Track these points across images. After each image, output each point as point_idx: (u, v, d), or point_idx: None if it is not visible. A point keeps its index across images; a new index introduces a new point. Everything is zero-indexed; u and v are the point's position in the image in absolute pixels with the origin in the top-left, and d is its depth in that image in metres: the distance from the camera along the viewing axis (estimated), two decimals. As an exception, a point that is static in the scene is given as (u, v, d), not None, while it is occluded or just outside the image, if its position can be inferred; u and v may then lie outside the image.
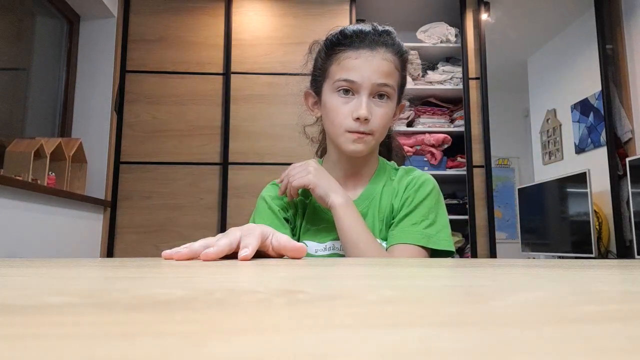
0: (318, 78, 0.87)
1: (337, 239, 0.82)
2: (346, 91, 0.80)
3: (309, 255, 0.82)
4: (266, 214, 0.87)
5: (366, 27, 0.82)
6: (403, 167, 0.92)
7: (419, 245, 0.79)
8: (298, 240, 0.87)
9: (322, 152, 0.99)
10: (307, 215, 0.88)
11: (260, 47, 2.68)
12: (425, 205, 0.82)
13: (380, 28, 0.83)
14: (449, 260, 0.69)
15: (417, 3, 2.82)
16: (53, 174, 2.11)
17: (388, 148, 0.99)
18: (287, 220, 0.88)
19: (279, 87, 2.64)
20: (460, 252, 2.69)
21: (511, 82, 3.24)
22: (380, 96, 0.80)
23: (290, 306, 0.18)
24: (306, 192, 0.88)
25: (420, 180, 0.85)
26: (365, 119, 0.78)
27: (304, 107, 0.92)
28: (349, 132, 0.79)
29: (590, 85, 2.62)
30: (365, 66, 0.79)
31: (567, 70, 2.86)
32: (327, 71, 0.84)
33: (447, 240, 0.81)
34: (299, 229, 0.89)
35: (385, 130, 0.83)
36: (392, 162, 0.94)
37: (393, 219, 0.84)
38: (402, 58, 0.84)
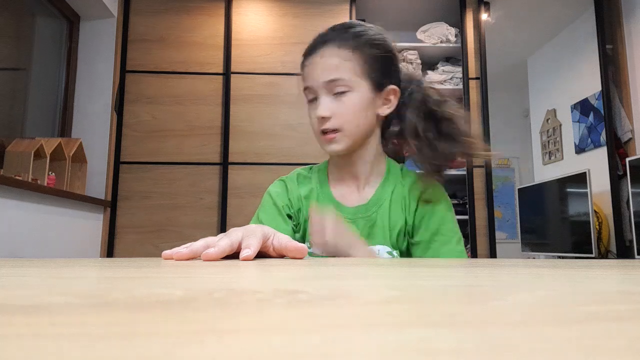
0: None
1: None
2: (312, 98, 0.83)
3: (313, 255, 0.82)
4: (270, 209, 0.87)
5: (320, 32, 0.85)
6: (407, 169, 0.89)
7: None
8: (303, 239, 0.87)
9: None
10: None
11: (260, 47, 2.68)
12: (448, 218, 0.83)
13: (328, 28, 0.85)
14: (448, 260, 0.69)
15: (417, 3, 2.82)
16: (53, 174, 2.11)
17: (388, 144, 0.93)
18: (290, 217, 0.88)
19: (279, 87, 2.64)
20: (460, 252, 2.69)
21: (511, 82, 3.24)
22: (338, 92, 0.81)
23: (290, 306, 0.18)
24: (310, 193, 0.88)
25: (432, 190, 0.84)
26: (322, 118, 0.80)
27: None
28: (320, 134, 0.82)
29: (590, 85, 2.62)
30: (312, 69, 0.82)
31: (567, 70, 2.86)
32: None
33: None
34: (302, 227, 0.88)
35: (356, 122, 0.81)
36: (401, 164, 0.92)
37: (411, 235, 0.83)
38: (356, 45, 0.81)
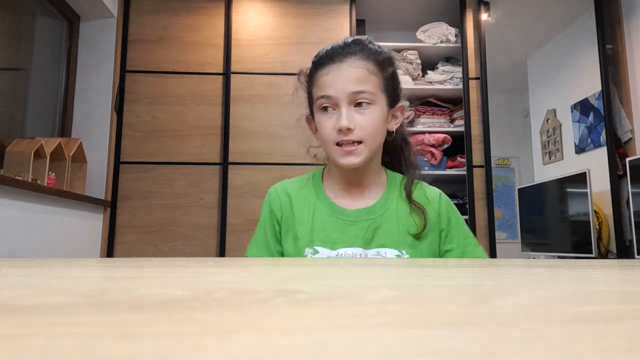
0: (309, 103, 0.90)
1: (348, 246, 0.83)
2: (328, 108, 0.82)
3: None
4: (262, 236, 0.90)
5: (337, 43, 0.84)
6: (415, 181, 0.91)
7: None
8: (302, 248, 0.85)
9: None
10: (315, 221, 0.87)
11: (260, 47, 2.68)
12: (461, 222, 0.87)
13: (349, 40, 0.84)
14: (448, 260, 0.70)
15: (417, 3, 2.82)
16: (53, 174, 2.11)
17: (405, 158, 0.95)
18: (280, 229, 0.89)
19: (279, 87, 2.64)
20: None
21: (511, 82, 3.24)
22: (360, 104, 0.81)
23: (290, 306, 0.18)
24: (308, 200, 0.89)
25: (442, 200, 0.89)
26: (348, 129, 0.79)
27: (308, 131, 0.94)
28: (337, 144, 0.81)
29: (590, 85, 2.62)
30: (336, 79, 0.80)
31: (567, 70, 2.86)
32: (311, 94, 0.86)
33: None
34: (309, 235, 0.87)
35: (376, 136, 0.83)
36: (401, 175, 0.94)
37: (441, 241, 0.87)
38: (379, 60, 0.84)
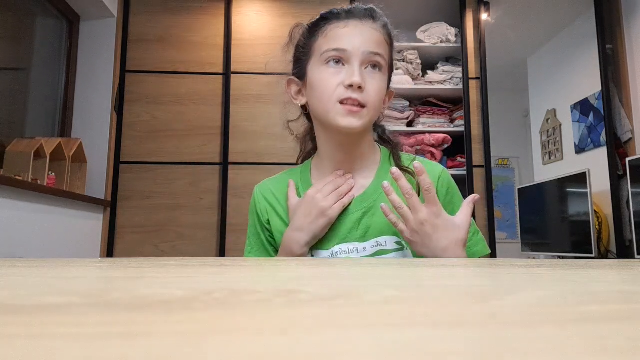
0: (301, 59, 0.81)
1: (343, 242, 0.77)
2: (336, 62, 0.74)
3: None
4: (255, 237, 0.85)
5: (354, 5, 0.80)
6: (405, 154, 0.85)
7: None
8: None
9: (303, 158, 0.91)
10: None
11: (260, 47, 2.68)
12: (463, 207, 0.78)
13: (367, 5, 0.79)
14: (448, 260, 0.69)
15: (417, 3, 2.82)
16: (53, 174, 2.11)
17: (381, 137, 0.89)
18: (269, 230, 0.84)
19: (279, 87, 2.63)
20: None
21: (511, 82, 3.24)
22: (374, 67, 0.75)
23: (290, 306, 0.18)
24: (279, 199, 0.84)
25: (443, 177, 0.82)
26: (359, 87, 0.72)
27: (287, 98, 0.85)
28: (341, 103, 0.73)
29: (590, 85, 2.62)
30: (355, 34, 0.74)
31: (567, 70, 2.86)
32: (311, 48, 0.79)
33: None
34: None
35: (379, 106, 0.77)
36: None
37: None
38: (389, 35, 0.80)
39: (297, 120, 0.90)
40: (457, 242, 0.69)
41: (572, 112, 2.77)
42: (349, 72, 0.73)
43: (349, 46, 0.74)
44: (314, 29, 0.79)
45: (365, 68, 0.75)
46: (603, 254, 2.42)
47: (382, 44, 0.77)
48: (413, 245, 0.71)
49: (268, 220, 0.84)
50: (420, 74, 2.80)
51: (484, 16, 2.75)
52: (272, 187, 0.86)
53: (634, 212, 2.17)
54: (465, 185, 2.64)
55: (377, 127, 0.88)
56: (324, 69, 0.75)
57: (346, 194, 0.78)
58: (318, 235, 0.77)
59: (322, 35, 0.77)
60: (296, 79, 0.83)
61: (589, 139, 2.62)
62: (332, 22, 0.77)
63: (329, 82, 0.74)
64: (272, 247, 0.85)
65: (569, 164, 2.73)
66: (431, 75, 2.79)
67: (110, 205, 2.48)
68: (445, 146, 2.71)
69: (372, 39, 0.75)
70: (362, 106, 0.73)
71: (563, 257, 2.42)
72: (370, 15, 0.78)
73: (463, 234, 0.70)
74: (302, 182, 0.84)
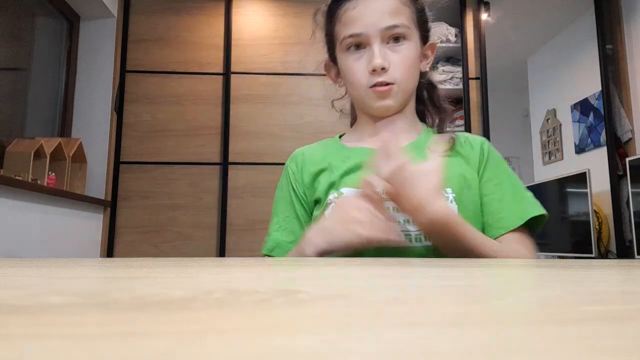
0: (330, 45, 0.79)
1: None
2: (357, 47, 0.72)
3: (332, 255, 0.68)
4: (285, 212, 0.77)
5: None
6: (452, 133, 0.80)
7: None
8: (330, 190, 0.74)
9: (353, 123, 0.87)
10: (340, 167, 0.75)
11: (260, 47, 2.68)
12: (506, 167, 0.74)
13: None
14: (448, 260, 0.69)
15: (417, 3, 2.82)
16: (53, 174, 2.11)
17: (433, 103, 0.83)
18: (305, 197, 0.77)
19: (279, 87, 2.64)
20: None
21: (511, 82, 3.24)
22: (396, 39, 0.71)
23: (290, 306, 0.18)
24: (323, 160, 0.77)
25: (485, 145, 0.77)
26: (382, 69, 0.69)
27: (329, 81, 0.82)
28: (370, 88, 0.71)
29: (590, 85, 2.62)
30: (365, 13, 0.71)
31: (567, 70, 2.86)
32: (333, 35, 0.76)
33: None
34: (337, 179, 0.74)
35: (411, 76, 0.73)
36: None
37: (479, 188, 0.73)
38: None
39: (343, 98, 0.86)
40: (429, 192, 0.61)
41: (572, 112, 2.77)
42: (370, 55, 0.71)
43: (362, 29, 0.71)
44: (330, 14, 0.77)
45: (387, 43, 0.72)
46: (603, 254, 2.41)
47: (398, 11, 0.72)
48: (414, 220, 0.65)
49: (312, 181, 0.76)
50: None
51: (484, 16, 2.75)
52: (315, 149, 0.82)
53: (634, 212, 2.17)
54: (465, 185, 2.64)
55: (427, 87, 0.83)
56: (347, 56, 0.74)
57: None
58: (337, 248, 0.63)
59: (338, 20, 0.74)
60: (331, 63, 0.81)
61: (589, 139, 2.62)
62: (343, 5, 0.74)
63: (354, 69, 0.73)
64: (307, 218, 0.77)
65: (569, 164, 2.73)
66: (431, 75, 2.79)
67: (110, 205, 2.48)
68: (445, 146, 2.71)
69: (385, 10, 0.71)
70: (392, 83, 0.71)
71: (563, 257, 2.42)
72: None
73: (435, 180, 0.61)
74: (334, 148, 0.81)
